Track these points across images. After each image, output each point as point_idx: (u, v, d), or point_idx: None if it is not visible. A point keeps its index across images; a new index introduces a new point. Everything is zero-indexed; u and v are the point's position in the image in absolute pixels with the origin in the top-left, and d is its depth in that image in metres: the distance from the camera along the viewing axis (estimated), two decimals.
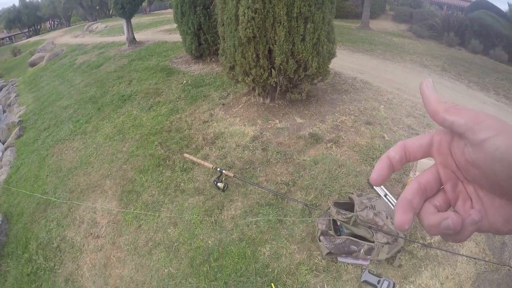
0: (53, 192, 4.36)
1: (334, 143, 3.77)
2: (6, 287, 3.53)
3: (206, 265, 2.75)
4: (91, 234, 3.50)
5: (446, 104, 0.34)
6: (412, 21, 14.99)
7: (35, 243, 3.71)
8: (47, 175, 4.84)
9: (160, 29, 13.42)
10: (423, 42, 11.96)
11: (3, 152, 6.81)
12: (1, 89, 14.68)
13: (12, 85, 14.16)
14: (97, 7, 34.20)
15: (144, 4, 26.27)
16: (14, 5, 42.01)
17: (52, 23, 45.27)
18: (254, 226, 2.97)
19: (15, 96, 11.30)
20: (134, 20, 10.34)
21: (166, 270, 2.84)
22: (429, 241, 2.60)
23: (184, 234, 3.09)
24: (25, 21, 42.11)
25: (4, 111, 11.35)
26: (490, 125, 0.30)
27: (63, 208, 4.00)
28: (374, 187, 2.70)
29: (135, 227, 3.36)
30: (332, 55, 4.28)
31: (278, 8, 3.61)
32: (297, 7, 3.63)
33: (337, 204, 2.67)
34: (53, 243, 3.59)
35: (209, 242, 2.94)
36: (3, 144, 7.47)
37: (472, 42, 11.96)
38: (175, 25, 7.51)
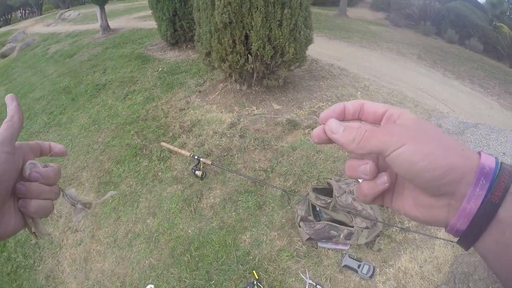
0: None
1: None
2: None
3: (187, 255, 2.74)
4: (69, 228, 3.41)
5: (354, 137, 0.36)
6: (389, 10, 15.08)
7: (13, 241, 3.57)
8: None
9: (135, 16, 13.02)
10: (400, 30, 12.09)
11: None
12: None
13: None
14: None
15: None
16: None
17: (23, 12, 43.45)
18: (234, 213, 2.97)
19: None
20: (108, 7, 9.96)
21: (147, 261, 2.81)
22: (407, 225, 2.66)
23: (164, 224, 3.06)
24: None
25: None
26: (397, 139, 0.33)
27: None
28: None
29: (114, 219, 3.30)
30: (309, 41, 4.27)
31: None
32: None
33: (316, 190, 2.69)
34: (31, 240, 3.47)
35: (189, 231, 2.93)
36: None
37: (448, 31, 12.13)
38: (150, 12, 7.31)
